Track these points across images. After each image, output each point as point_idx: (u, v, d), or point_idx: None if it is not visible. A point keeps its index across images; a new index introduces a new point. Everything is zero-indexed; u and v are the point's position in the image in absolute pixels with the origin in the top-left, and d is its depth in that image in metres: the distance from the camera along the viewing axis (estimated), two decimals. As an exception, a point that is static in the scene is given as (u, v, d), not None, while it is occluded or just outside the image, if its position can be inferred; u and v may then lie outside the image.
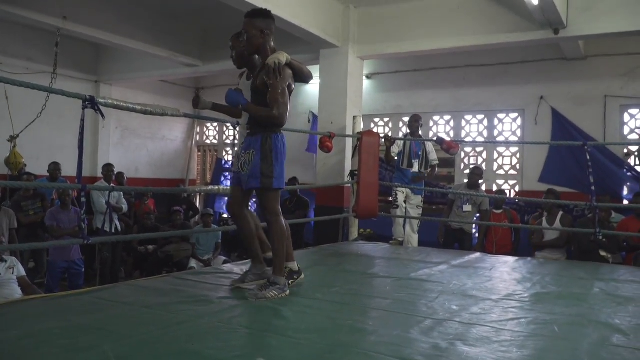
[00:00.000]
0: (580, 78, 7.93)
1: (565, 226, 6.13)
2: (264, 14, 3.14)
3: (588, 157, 4.93)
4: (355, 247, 5.66)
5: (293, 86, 3.13)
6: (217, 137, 11.69)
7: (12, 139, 7.49)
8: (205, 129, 11.84)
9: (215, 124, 11.41)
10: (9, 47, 8.28)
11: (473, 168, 6.99)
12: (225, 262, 6.84)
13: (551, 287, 3.64)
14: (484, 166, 8.58)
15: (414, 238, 6.27)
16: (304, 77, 3.23)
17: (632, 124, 7.76)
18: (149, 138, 10.73)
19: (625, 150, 7.57)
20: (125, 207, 7.16)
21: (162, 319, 2.55)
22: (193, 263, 7.07)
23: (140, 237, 4.37)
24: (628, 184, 7.36)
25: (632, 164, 7.48)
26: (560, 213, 6.28)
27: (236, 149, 3.47)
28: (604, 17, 5.92)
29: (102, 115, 3.14)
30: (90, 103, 3.06)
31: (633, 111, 7.77)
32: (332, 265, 4.46)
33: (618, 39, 7.15)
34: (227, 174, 10.27)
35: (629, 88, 7.67)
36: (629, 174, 7.39)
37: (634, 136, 7.70)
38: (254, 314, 2.74)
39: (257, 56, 3.27)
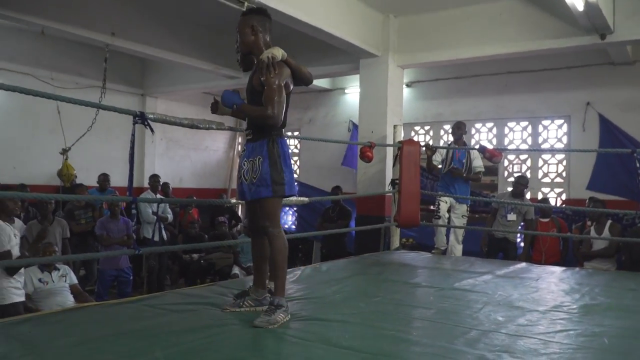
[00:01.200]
0: (628, 83, 7.69)
1: (615, 235, 5.94)
2: (256, 11, 2.95)
3: (638, 165, 4.78)
4: (397, 257, 5.64)
5: (292, 87, 2.90)
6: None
7: (65, 151, 7.82)
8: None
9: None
10: (59, 63, 8.65)
11: (518, 177, 6.85)
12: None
13: (600, 299, 3.55)
14: (528, 174, 8.39)
15: (458, 248, 6.18)
16: (304, 78, 3.00)
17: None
18: (193, 149, 10.99)
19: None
20: (170, 216, 7.35)
21: (210, 326, 2.61)
22: (236, 270, 7.19)
23: (187, 247, 4.50)
24: None
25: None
26: (609, 222, 6.09)
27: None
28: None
29: (152, 130, 3.26)
30: (141, 118, 3.18)
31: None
32: (373, 275, 4.46)
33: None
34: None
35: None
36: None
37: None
38: (299, 322, 2.78)
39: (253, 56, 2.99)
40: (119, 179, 8.39)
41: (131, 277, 6.52)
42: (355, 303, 3.28)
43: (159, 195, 7.46)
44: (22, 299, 4.26)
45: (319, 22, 5.94)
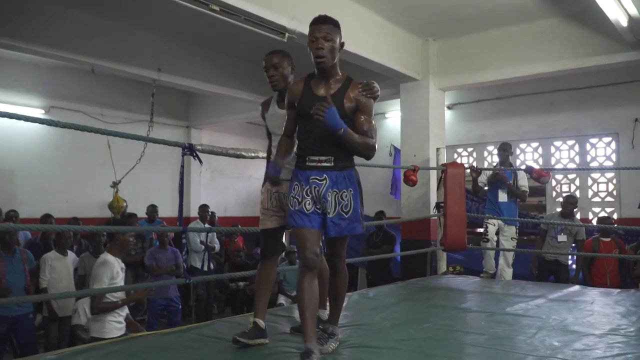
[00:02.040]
0: (679, 97, 7.45)
1: (674, 255, 5.69)
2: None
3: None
4: (445, 281, 5.56)
5: None
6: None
7: (115, 184, 8.10)
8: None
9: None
10: (109, 99, 9.03)
11: (567, 197, 6.67)
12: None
13: (661, 322, 3.40)
14: (577, 193, 8.17)
15: (508, 272, 6.02)
16: None
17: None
18: (237, 178, 11.19)
19: None
20: (217, 246, 7.47)
21: (262, 354, 2.64)
22: (282, 299, 7.20)
23: (234, 275, 4.55)
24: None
25: None
26: (666, 241, 5.84)
27: (275, 188, 2.96)
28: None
29: (200, 161, 3.36)
30: (189, 150, 3.29)
31: None
32: (422, 300, 4.41)
33: None
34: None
35: None
36: None
37: None
38: (349, 349, 2.77)
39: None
40: (166, 210, 8.61)
41: (180, 307, 6.63)
42: (405, 330, 3.24)
43: (207, 225, 7.61)
44: (123, 331, 4.24)
45: (357, 49, 6.02)
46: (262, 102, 3.25)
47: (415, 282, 5.47)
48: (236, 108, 9.66)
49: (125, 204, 8.08)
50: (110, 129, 3.37)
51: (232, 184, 11.14)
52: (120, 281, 4.23)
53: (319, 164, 2.57)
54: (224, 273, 7.43)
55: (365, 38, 6.19)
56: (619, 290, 4.92)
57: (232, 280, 7.86)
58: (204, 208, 7.71)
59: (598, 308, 3.96)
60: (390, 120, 10.12)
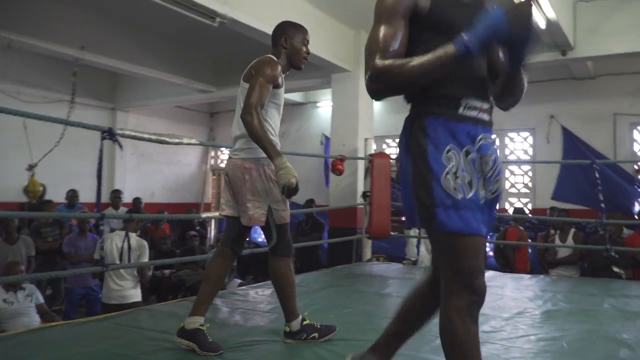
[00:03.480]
0: (589, 97, 7.98)
1: (578, 243, 6.12)
2: None
3: (597, 175, 4.97)
4: (369, 268, 5.71)
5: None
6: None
7: (31, 167, 7.69)
8: (219, 153, 12.03)
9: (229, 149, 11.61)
10: (26, 77, 8.54)
11: None
12: (240, 284, 6.90)
13: (562, 304, 3.67)
14: (496, 185, 8.62)
15: (429, 258, 6.30)
16: None
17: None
18: (165, 163, 10.92)
19: (636, 167, 7.57)
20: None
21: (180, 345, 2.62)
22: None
23: (155, 263, 4.49)
24: (639, 199, 7.34)
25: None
26: (573, 230, 6.28)
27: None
28: (610, 38, 6.00)
29: (120, 146, 3.28)
30: (109, 134, 3.19)
31: (644, 128, 7.79)
32: (345, 286, 4.52)
33: (626, 59, 7.19)
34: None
35: (638, 106, 7.69)
36: (640, 190, 7.39)
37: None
38: (267, 335, 2.81)
39: None
40: (88, 195, 8.25)
41: (100, 296, 6.42)
42: (326, 315, 3.31)
43: (123, 209, 7.40)
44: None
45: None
46: (275, 62, 2.58)
47: (341, 269, 5.59)
48: (165, 91, 9.42)
49: (42, 189, 7.70)
50: (27, 109, 3.22)
51: (159, 169, 10.87)
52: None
53: (480, 115, 1.59)
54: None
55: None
56: (529, 276, 5.26)
57: (156, 268, 7.70)
58: (115, 194, 7.47)
59: (509, 292, 4.21)
60: (322, 109, 10.21)
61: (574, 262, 6.21)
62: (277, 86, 2.54)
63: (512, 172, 8.78)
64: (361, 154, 6.77)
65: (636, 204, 7.36)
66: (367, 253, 6.30)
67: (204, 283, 2.61)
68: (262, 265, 8.45)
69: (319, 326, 2.68)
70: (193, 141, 3.74)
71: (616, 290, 4.27)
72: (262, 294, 4.03)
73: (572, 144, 7.94)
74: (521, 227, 6.67)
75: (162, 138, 3.50)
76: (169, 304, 3.85)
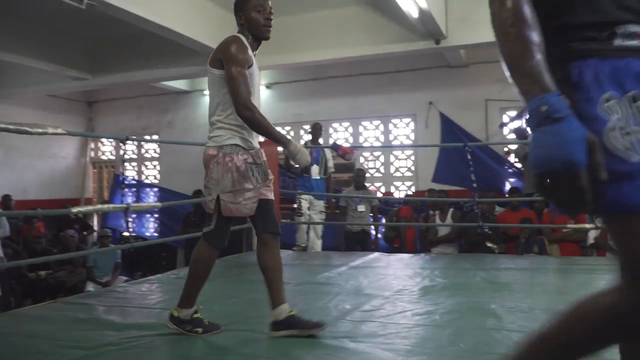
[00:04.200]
0: (463, 84, 8.49)
1: (455, 222, 6.53)
2: None
3: (469, 157, 5.30)
4: (259, 257, 5.68)
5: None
6: (113, 152, 11.21)
7: None
8: (100, 144, 11.33)
9: (111, 140, 11.00)
10: None
11: (357, 170, 7.32)
12: (126, 282, 6.60)
13: (438, 280, 3.89)
14: (382, 169, 8.96)
15: (318, 243, 6.40)
16: None
17: (511, 125, 8.42)
18: (37, 157, 10.08)
19: (506, 149, 8.21)
20: (4, 230, 6.68)
21: (45, 348, 2.43)
22: (90, 287, 6.73)
23: (26, 262, 4.12)
24: (510, 179, 7.97)
25: (512, 161, 8.12)
26: (451, 210, 6.68)
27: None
28: (479, 27, 6.37)
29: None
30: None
31: (511, 113, 8.43)
32: (233, 276, 4.46)
33: (495, 47, 7.70)
34: (128, 190, 9.91)
35: (507, 92, 8.31)
36: (509, 170, 8.01)
37: (512, 136, 8.36)
38: (146, 331, 2.69)
39: None
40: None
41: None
42: (209, 306, 3.24)
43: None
44: None
45: (168, 22, 5.79)
46: (242, 43, 2.46)
47: (230, 259, 5.50)
48: (35, 79, 8.66)
49: None
50: None
51: (31, 163, 10.02)
52: None
53: None
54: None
55: (175, 11, 5.97)
56: (411, 255, 5.51)
57: (31, 270, 7.12)
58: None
59: (391, 272, 4.38)
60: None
61: (452, 240, 6.62)
62: (248, 67, 2.42)
63: (396, 157, 9.16)
64: (249, 142, 6.69)
65: (506, 183, 7.99)
66: (258, 241, 6.26)
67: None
68: (152, 261, 8.18)
69: (207, 322, 2.62)
70: (59, 131, 3.46)
71: (488, 264, 4.60)
72: (142, 290, 3.86)
73: (449, 129, 8.42)
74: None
75: (22, 128, 3.20)
76: (37, 307, 3.56)
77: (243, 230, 6.39)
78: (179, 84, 9.59)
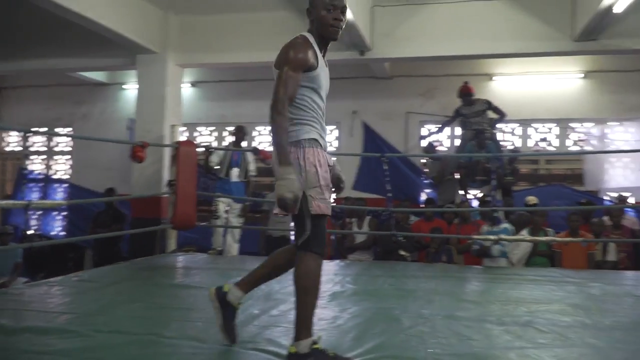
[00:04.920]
0: (386, 95, 8.73)
1: (372, 230, 6.67)
2: None
3: (385, 167, 5.44)
4: (172, 260, 5.54)
5: None
6: (21, 143, 10.50)
7: None
8: (4, 134, 10.58)
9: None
10: None
11: None
12: (26, 283, 6.21)
13: (349, 286, 3.96)
14: (304, 175, 9.01)
15: (235, 247, 6.33)
16: None
17: (429, 139, 8.74)
18: None
19: (423, 161, 8.52)
20: None
21: None
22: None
23: None
24: (426, 190, 8.27)
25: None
26: (368, 218, 6.82)
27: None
28: (403, 42, 6.61)
29: None
30: None
31: (429, 126, 8.76)
32: (142, 279, 4.32)
33: (418, 62, 8.01)
34: (34, 185, 9.37)
35: (427, 106, 8.64)
36: (425, 181, 8.31)
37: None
38: (34, 334, 2.55)
39: None
40: None
41: None
42: (113, 311, 3.13)
43: None
44: None
45: (89, 12, 5.56)
46: (303, 40, 2.35)
47: (140, 261, 5.33)
48: None
49: None
50: None
51: None
52: None
53: None
54: None
55: (99, 2, 5.73)
56: (327, 261, 5.57)
57: None
58: None
59: (304, 277, 4.40)
60: (130, 91, 9.61)
61: (368, 246, 6.75)
62: (310, 69, 2.27)
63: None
64: (168, 141, 6.54)
65: (422, 194, 8.28)
66: (172, 244, 6.11)
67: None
68: (58, 262, 7.72)
69: (332, 355, 2.21)
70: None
71: (398, 272, 4.73)
72: (40, 293, 3.65)
73: (371, 138, 8.63)
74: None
75: None
76: None
77: (156, 232, 6.21)
78: (97, 75, 9.22)
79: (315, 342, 2.17)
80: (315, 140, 2.26)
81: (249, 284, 2.51)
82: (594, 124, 8.65)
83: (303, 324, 2.20)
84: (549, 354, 2.36)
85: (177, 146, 5.88)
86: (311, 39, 2.34)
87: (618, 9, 5.37)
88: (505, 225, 5.78)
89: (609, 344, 2.51)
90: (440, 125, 8.07)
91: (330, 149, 9.13)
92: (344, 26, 2.39)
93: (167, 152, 6.57)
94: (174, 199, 5.78)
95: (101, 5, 5.80)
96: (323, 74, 2.36)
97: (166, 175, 6.49)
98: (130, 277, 4.40)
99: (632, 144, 8.21)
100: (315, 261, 2.23)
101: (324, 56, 2.39)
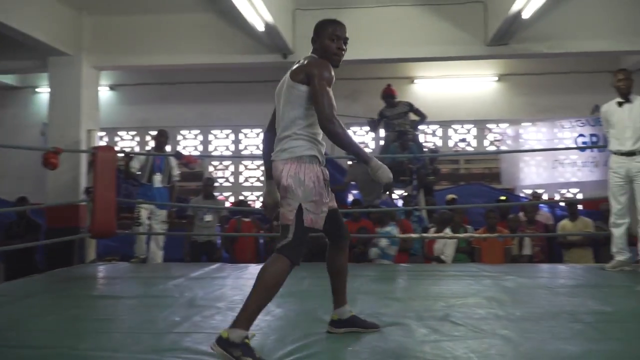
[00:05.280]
0: (311, 98, 8.78)
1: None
2: None
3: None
4: (91, 270, 5.32)
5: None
6: None
7: None
8: None
9: None
10: None
11: (206, 179, 7.19)
12: None
13: (274, 289, 3.94)
14: (231, 179, 8.91)
15: (159, 254, 6.14)
16: None
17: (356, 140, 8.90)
18: None
19: (350, 162, 8.63)
20: None
21: None
22: None
23: None
24: (353, 191, 8.39)
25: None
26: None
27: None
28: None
29: None
30: None
31: (354, 129, 8.92)
32: (58, 291, 4.10)
33: (341, 65, 8.09)
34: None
35: (352, 108, 8.78)
36: (352, 182, 8.42)
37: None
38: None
39: None
40: None
41: None
42: (25, 325, 2.96)
43: None
44: None
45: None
46: (328, 64, 2.52)
47: (57, 273, 5.06)
48: None
49: None
50: None
51: None
52: None
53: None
54: None
55: (12, 4, 5.42)
56: (255, 265, 5.53)
57: None
58: None
59: (230, 282, 4.35)
60: (44, 95, 9.15)
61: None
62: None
63: (246, 167, 9.19)
64: (84, 147, 6.27)
65: (350, 195, 8.39)
66: (91, 254, 5.86)
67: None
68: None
69: (258, 356, 2.26)
70: None
71: (325, 273, 4.72)
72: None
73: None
74: (246, 219, 6.99)
75: None
76: None
77: (74, 241, 5.94)
78: (7, 79, 8.71)
79: (247, 337, 2.25)
80: (315, 157, 2.46)
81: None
82: (508, 124, 9.12)
83: (246, 316, 2.29)
84: (462, 345, 2.46)
85: (94, 152, 5.66)
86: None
87: (526, 14, 5.70)
88: (389, 228, 5.91)
89: (518, 334, 2.63)
90: (369, 128, 8.20)
91: (256, 152, 9.11)
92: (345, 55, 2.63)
93: (84, 158, 6.29)
94: (91, 206, 5.56)
95: (8, 6, 5.47)
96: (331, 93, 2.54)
97: (84, 182, 6.21)
98: (45, 289, 4.17)
99: (544, 144, 8.72)
100: (286, 267, 2.37)
101: None
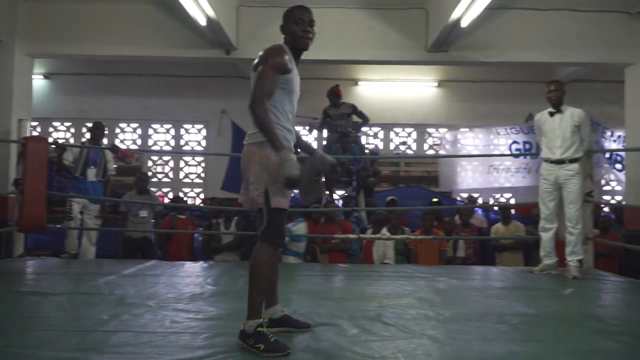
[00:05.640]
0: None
1: (239, 230, 6.64)
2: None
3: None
4: (19, 265, 5.09)
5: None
6: None
7: None
8: None
9: None
10: None
11: (139, 174, 7.03)
12: None
13: (208, 287, 3.91)
14: (171, 174, 8.74)
15: (91, 250, 5.96)
16: None
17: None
18: None
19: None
20: None
21: None
22: None
23: None
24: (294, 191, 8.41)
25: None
26: (236, 218, 6.78)
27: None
28: (268, 43, 6.63)
29: None
30: None
31: (297, 128, 8.92)
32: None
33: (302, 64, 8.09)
34: None
35: (300, 108, 8.78)
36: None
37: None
38: None
39: None
40: None
41: None
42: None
43: None
44: None
45: None
46: (281, 46, 2.60)
47: (-18, 267, 4.83)
48: None
49: None
50: None
51: None
52: None
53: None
54: None
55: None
56: (191, 262, 5.45)
57: None
58: None
59: (164, 280, 4.27)
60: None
61: (235, 247, 6.71)
62: (285, 72, 2.51)
63: (186, 163, 9.04)
64: (15, 137, 5.98)
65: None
66: (19, 248, 5.60)
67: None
68: None
69: (272, 340, 2.41)
70: None
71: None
72: None
73: (240, 138, 8.54)
74: (181, 216, 6.90)
75: None
76: None
77: (2, 234, 5.66)
78: None
79: (260, 325, 2.42)
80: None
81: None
82: (447, 129, 9.41)
83: (252, 306, 2.45)
84: (391, 345, 2.52)
85: (25, 142, 5.41)
86: (285, 48, 2.60)
87: (464, 23, 5.89)
88: (291, 224, 5.97)
89: (446, 335, 2.72)
90: (317, 129, 8.23)
91: (197, 148, 8.98)
92: (313, 38, 2.68)
93: (14, 149, 6.01)
94: (20, 199, 5.32)
95: None
96: (296, 79, 2.64)
97: (13, 173, 5.93)
98: (-35, 285, 3.97)
99: (481, 149, 9.04)
100: (269, 251, 2.50)
101: (296, 65, 2.66)
